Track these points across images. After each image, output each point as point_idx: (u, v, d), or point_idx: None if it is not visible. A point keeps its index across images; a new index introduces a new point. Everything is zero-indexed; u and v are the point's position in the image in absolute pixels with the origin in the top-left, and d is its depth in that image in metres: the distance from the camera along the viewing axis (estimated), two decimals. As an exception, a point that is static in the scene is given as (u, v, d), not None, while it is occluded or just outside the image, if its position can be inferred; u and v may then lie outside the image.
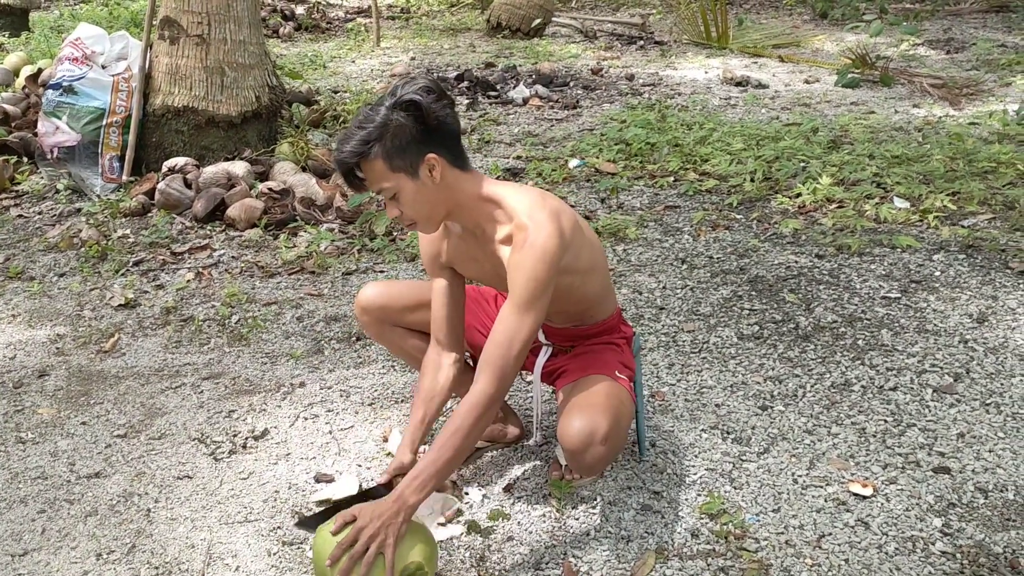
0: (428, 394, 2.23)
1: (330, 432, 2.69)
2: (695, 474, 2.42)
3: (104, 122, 4.72)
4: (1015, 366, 2.88)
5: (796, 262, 3.72)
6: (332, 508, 2.12)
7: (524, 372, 2.60)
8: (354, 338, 3.28)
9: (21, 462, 2.59)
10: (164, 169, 4.66)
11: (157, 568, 2.15)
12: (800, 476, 2.40)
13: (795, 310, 3.32)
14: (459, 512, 2.29)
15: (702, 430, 2.62)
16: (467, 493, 2.38)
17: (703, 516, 2.26)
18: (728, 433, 2.60)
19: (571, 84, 7.16)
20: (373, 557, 1.85)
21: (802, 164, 4.76)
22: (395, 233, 4.19)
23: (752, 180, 4.59)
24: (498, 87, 6.99)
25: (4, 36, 8.53)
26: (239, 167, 4.60)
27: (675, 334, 3.20)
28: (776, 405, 2.74)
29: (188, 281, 3.79)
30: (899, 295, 3.39)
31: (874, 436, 2.56)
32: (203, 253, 4.07)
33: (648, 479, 2.40)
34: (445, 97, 1.97)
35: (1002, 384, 2.79)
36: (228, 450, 2.62)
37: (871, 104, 6.29)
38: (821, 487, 2.35)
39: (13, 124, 5.36)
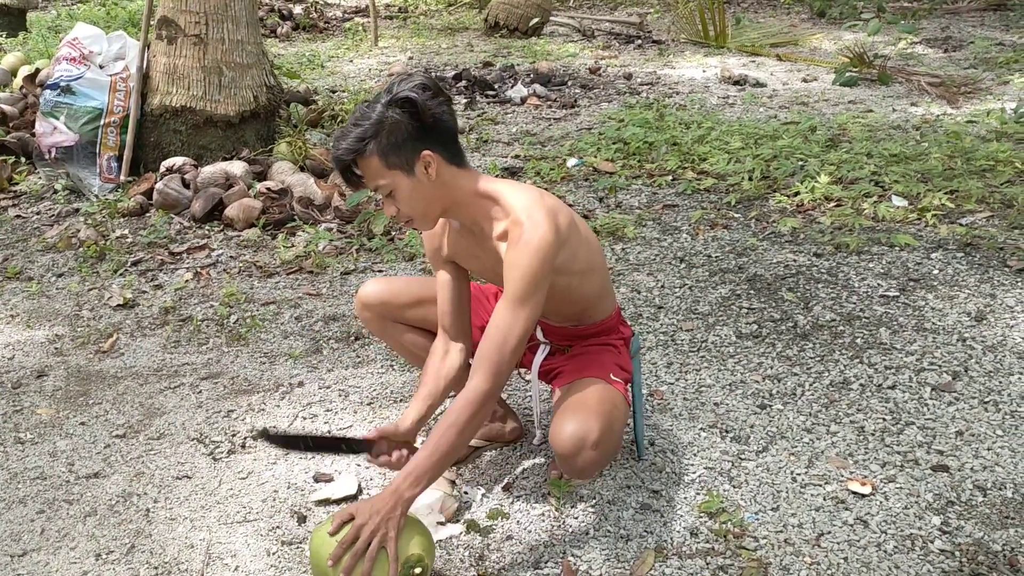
0: (435, 373, 2.22)
1: (329, 432, 2.69)
2: (694, 473, 2.42)
3: (102, 122, 4.71)
4: (1013, 364, 2.89)
5: (794, 261, 3.73)
6: (298, 438, 2.13)
7: (523, 371, 2.61)
8: (353, 338, 3.28)
9: (20, 462, 2.59)
10: (162, 169, 4.65)
11: (156, 568, 2.15)
12: (799, 474, 2.40)
13: (793, 309, 3.33)
14: (458, 511, 2.30)
15: (701, 429, 2.62)
16: (466, 492, 2.38)
17: (702, 515, 2.26)
18: (727, 432, 2.60)
19: (569, 83, 7.16)
20: (376, 552, 1.86)
21: (800, 163, 4.76)
22: (393, 233, 4.19)
23: (750, 179, 4.60)
24: (496, 86, 6.99)
25: (1, 36, 8.53)
26: (237, 167, 4.60)
27: (674, 333, 3.20)
28: (775, 404, 2.74)
29: (186, 281, 3.78)
30: (897, 293, 3.40)
31: (873, 434, 2.56)
32: (201, 253, 4.07)
33: (647, 478, 2.40)
34: (441, 94, 1.97)
35: (1000, 382, 2.79)
36: (227, 450, 2.62)
37: (869, 103, 6.29)
38: (820, 485, 2.35)
39: (11, 124, 5.36)
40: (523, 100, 6.63)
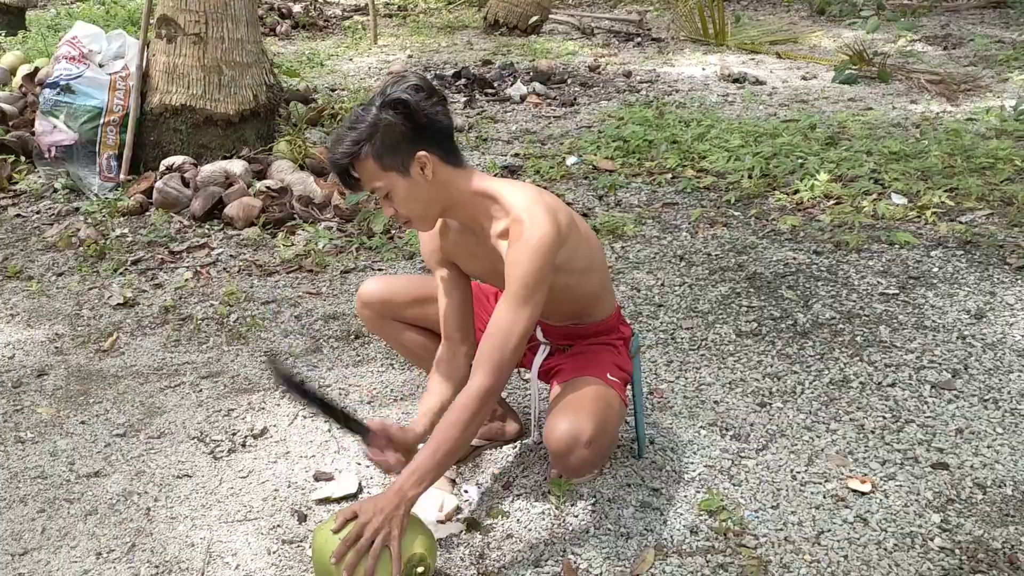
0: (441, 384, 2.22)
1: (329, 430, 2.69)
2: (694, 471, 2.43)
3: (102, 121, 4.71)
4: (1013, 362, 2.89)
5: (794, 259, 3.73)
6: (304, 388, 2.08)
7: (523, 370, 2.61)
8: (353, 336, 3.28)
9: (20, 461, 2.59)
10: (162, 168, 4.65)
11: (157, 567, 2.15)
12: (799, 473, 2.40)
13: (793, 307, 3.33)
14: (458, 510, 2.30)
15: (701, 427, 2.62)
16: (466, 491, 2.38)
17: (702, 513, 2.26)
18: (727, 430, 2.60)
19: (569, 81, 7.16)
20: (379, 550, 1.86)
21: (800, 161, 4.76)
22: (393, 231, 4.19)
23: (750, 177, 4.60)
24: (495, 85, 6.99)
25: (1, 35, 8.52)
26: (237, 166, 4.59)
27: (674, 331, 3.20)
28: (775, 402, 2.74)
29: (186, 280, 3.78)
30: (897, 291, 3.40)
31: (872, 432, 2.57)
32: (201, 252, 4.07)
33: (647, 476, 2.41)
34: (435, 94, 1.97)
35: (1000, 380, 2.79)
36: (227, 449, 2.62)
37: (869, 100, 6.29)
38: (820, 483, 2.36)
39: (10, 123, 5.35)
40: (523, 98, 6.63)
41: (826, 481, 2.36)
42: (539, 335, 2.36)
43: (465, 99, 6.62)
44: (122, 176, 4.73)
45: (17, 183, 4.89)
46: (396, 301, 2.41)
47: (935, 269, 3.56)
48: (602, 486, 2.37)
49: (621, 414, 2.25)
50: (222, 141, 4.84)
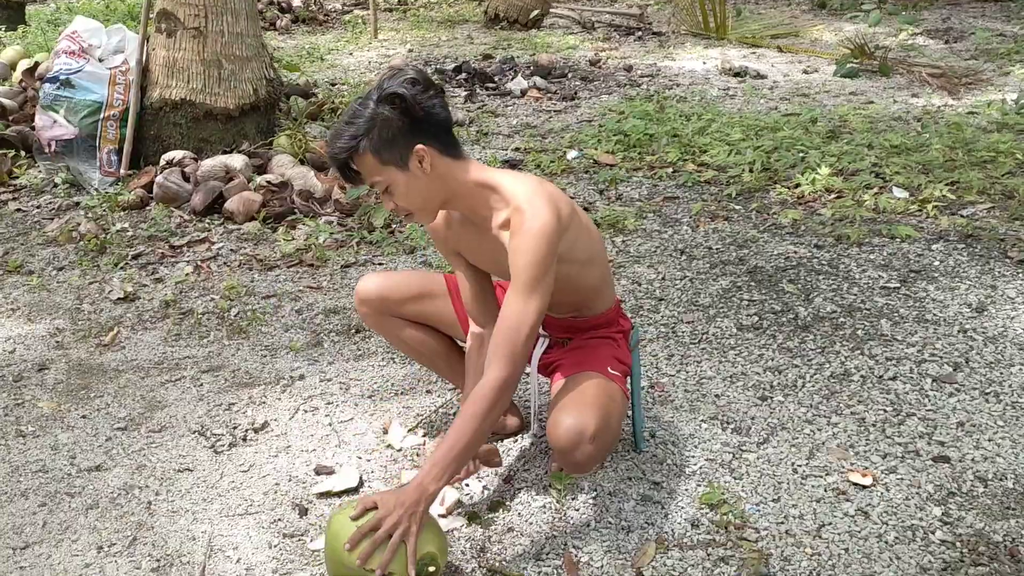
0: (479, 368, 2.23)
1: (330, 424, 2.69)
2: (695, 464, 2.43)
3: (102, 115, 4.70)
4: (1014, 355, 2.89)
5: (795, 252, 3.72)
6: None
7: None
8: (353, 331, 3.28)
9: (22, 455, 2.59)
10: (162, 162, 4.65)
11: (158, 560, 2.15)
12: (800, 466, 2.40)
13: (794, 300, 3.32)
14: (459, 503, 2.30)
15: (702, 420, 2.62)
16: (467, 484, 2.38)
17: (703, 506, 2.26)
18: (728, 423, 2.60)
19: (569, 75, 7.15)
20: (397, 544, 1.86)
21: (801, 154, 4.75)
22: (394, 225, 4.19)
23: (751, 171, 4.59)
24: (496, 79, 6.98)
25: (1, 30, 8.51)
26: (237, 160, 4.59)
27: (674, 325, 3.20)
28: (776, 395, 2.74)
29: (187, 274, 3.78)
30: (898, 285, 3.39)
31: (874, 426, 2.56)
32: (202, 246, 4.07)
33: (648, 470, 2.41)
34: (432, 87, 1.98)
35: (1001, 373, 2.79)
36: (228, 443, 2.62)
37: (870, 94, 6.28)
38: (821, 477, 2.35)
39: (11, 118, 5.35)
40: (523, 92, 6.62)
41: (827, 474, 2.36)
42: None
43: (466, 93, 6.61)
44: (122, 170, 4.72)
45: (17, 178, 4.88)
46: (394, 298, 2.41)
47: (936, 263, 3.56)
48: (603, 479, 2.37)
49: (624, 408, 2.25)
50: (222, 135, 4.84)
